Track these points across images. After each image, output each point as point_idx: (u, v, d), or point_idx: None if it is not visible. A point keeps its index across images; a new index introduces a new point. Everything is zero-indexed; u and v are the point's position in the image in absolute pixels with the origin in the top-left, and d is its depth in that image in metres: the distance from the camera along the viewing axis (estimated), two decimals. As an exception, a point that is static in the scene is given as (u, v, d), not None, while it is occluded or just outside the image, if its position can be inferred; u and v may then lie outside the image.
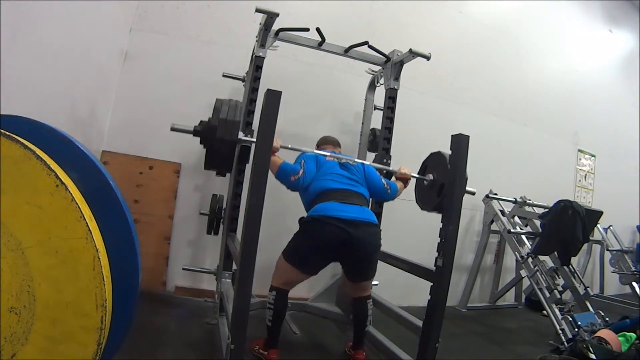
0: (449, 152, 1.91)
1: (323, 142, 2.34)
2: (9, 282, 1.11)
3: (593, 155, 4.88)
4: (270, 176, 1.56)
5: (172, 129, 1.86)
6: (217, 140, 1.78)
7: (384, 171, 2.29)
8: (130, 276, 1.31)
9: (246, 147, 2.24)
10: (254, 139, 1.61)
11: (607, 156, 4.97)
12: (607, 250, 4.48)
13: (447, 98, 3.78)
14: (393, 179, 2.30)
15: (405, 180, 2.23)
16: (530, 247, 3.17)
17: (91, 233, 1.12)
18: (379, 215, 2.49)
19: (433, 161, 2.15)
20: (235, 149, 1.90)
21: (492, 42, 4.05)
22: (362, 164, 2.11)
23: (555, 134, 4.49)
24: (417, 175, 2.19)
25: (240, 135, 1.83)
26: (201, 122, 1.90)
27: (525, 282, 3.65)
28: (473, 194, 2.06)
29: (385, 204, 2.57)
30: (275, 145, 1.83)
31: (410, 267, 2.11)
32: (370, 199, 2.15)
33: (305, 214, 2.02)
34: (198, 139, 2.98)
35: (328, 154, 2.08)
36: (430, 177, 2.12)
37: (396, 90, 2.61)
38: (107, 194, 1.29)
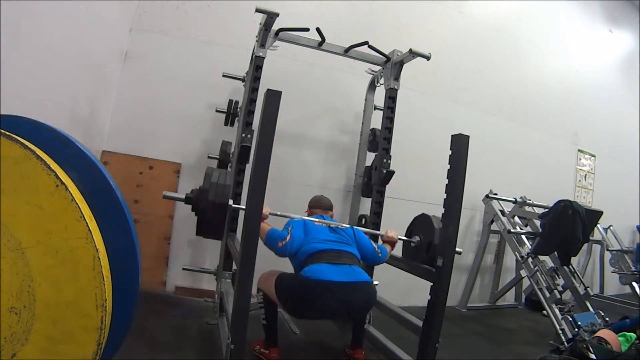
0: (449, 152, 1.91)
1: (315, 206, 2.28)
2: (9, 282, 1.11)
3: (593, 155, 4.88)
4: (271, 173, 1.56)
5: (165, 197, 1.89)
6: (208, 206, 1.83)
7: (370, 234, 2.25)
8: (130, 276, 1.31)
9: (246, 146, 2.24)
10: (244, 207, 1.65)
11: (607, 156, 4.97)
12: (607, 250, 4.48)
13: (447, 98, 3.77)
14: (380, 241, 2.28)
15: (392, 243, 2.22)
16: (530, 247, 3.17)
17: (91, 233, 1.12)
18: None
19: (418, 224, 2.19)
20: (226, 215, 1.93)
21: (492, 42, 4.05)
22: (352, 228, 2.11)
23: (555, 134, 4.49)
24: (404, 238, 2.21)
25: (230, 202, 1.86)
26: (192, 190, 1.94)
27: (525, 282, 3.65)
28: (459, 254, 2.00)
29: (385, 203, 2.58)
30: (264, 213, 1.85)
31: (410, 267, 2.11)
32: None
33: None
34: (198, 136, 3.01)
35: (316, 220, 2.07)
36: (417, 238, 2.14)
37: (396, 90, 2.61)
38: (107, 194, 1.30)
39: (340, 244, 1.97)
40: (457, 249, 1.89)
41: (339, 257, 1.89)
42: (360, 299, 1.86)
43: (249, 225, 1.54)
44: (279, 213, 1.99)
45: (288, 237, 1.92)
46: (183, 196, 1.89)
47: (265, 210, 1.87)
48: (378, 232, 2.31)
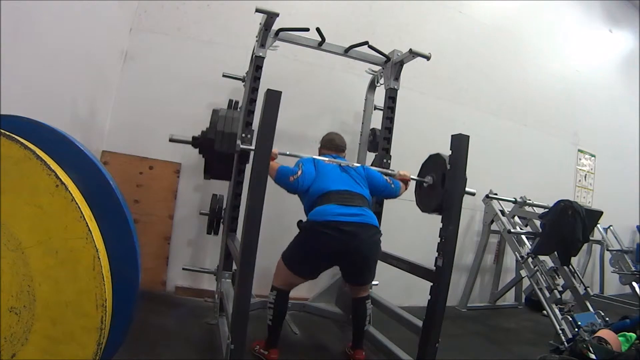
0: (449, 152, 1.91)
1: (327, 146, 2.28)
2: (9, 282, 1.11)
3: (593, 155, 4.88)
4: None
5: (171, 140, 1.87)
6: (215, 152, 1.78)
7: (382, 173, 2.27)
8: (130, 276, 1.31)
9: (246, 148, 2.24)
10: (253, 147, 1.62)
11: (607, 156, 4.97)
12: (607, 250, 4.48)
13: (447, 98, 3.77)
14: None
15: (405, 182, 2.23)
16: (530, 247, 3.17)
17: (91, 233, 1.12)
18: (378, 214, 2.49)
19: (432, 163, 2.15)
20: (234, 157, 1.90)
21: (492, 42, 4.05)
22: (363, 166, 2.11)
23: (555, 134, 4.48)
24: (416, 178, 2.20)
25: (238, 143, 1.82)
26: (202, 132, 1.90)
27: (525, 282, 3.65)
28: (473, 194, 2.06)
29: (385, 203, 2.57)
30: (273, 152, 1.84)
31: (410, 267, 2.11)
32: (372, 200, 2.14)
33: (304, 217, 2.02)
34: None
35: (327, 159, 2.07)
36: (430, 179, 2.12)
37: (396, 90, 2.61)
38: (107, 194, 1.30)
39: (351, 184, 1.97)
40: (469, 190, 1.91)
41: (350, 198, 1.90)
42: (367, 242, 1.87)
43: (249, 224, 1.54)
44: (287, 152, 1.96)
45: (299, 172, 1.92)
46: (190, 138, 1.87)
47: (274, 150, 1.82)
48: (390, 171, 2.28)
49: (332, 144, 2.27)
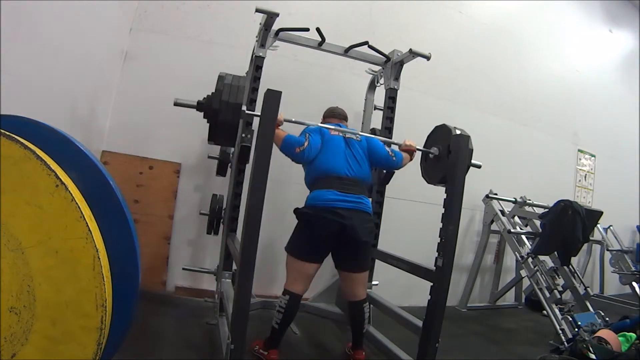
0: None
1: (329, 115, 2.30)
2: (9, 282, 1.11)
3: (593, 155, 4.88)
4: (271, 175, 1.56)
5: (176, 104, 1.83)
6: (220, 119, 1.77)
7: (389, 144, 2.26)
8: (130, 276, 1.31)
9: (246, 147, 2.24)
10: (258, 113, 1.63)
11: (607, 156, 4.97)
12: (607, 250, 4.48)
13: (447, 98, 3.77)
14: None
15: (410, 152, 2.20)
16: (530, 247, 3.17)
17: (91, 233, 1.12)
18: (378, 215, 2.50)
19: (438, 134, 2.13)
20: (239, 124, 1.88)
21: (492, 42, 4.05)
22: (367, 137, 2.11)
23: (555, 134, 4.48)
24: (422, 148, 2.18)
25: (244, 109, 1.79)
26: (207, 96, 1.88)
27: (525, 282, 3.65)
28: (479, 167, 2.01)
29: (385, 203, 2.57)
30: (279, 119, 1.82)
31: (410, 267, 2.11)
32: (371, 188, 2.17)
33: (302, 202, 2.05)
34: (198, 136, 3.00)
35: (332, 127, 2.07)
36: (435, 150, 2.10)
37: (396, 90, 2.61)
38: (107, 194, 1.29)
39: (353, 165, 2.01)
40: (475, 162, 1.94)
41: (349, 186, 1.95)
42: (360, 225, 1.93)
43: (249, 224, 1.54)
44: (293, 120, 1.95)
45: (306, 144, 1.94)
46: (195, 102, 1.86)
47: (280, 116, 1.81)
48: (395, 141, 2.27)
49: (334, 113, 2.29)
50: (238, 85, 1.78)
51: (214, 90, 1.82)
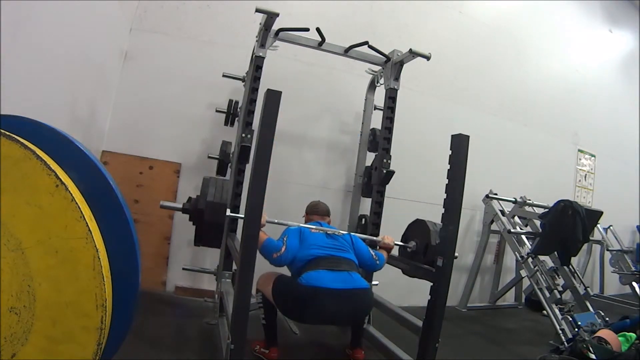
0: (449, 152, 1.91)
1: (312, 212, 2.27)
2: (9, 282, 1.11)
3: (593, 155, 4.88)
4: (271, 173, 1.56)
5: (162, 207, 1.95)
6: (205, 221, 1.87)
7: (367, 240, 2.24)
8: (130, 276, 1.31)
9: (246, 147, 2.24)
10: (242, 215, 1.68)
11: (607, 156, 4.97)
12: (607, 250, 4.48)
13: (447, 98, 3.77)
14: (377, 247, 2.25)
15: (388, 249, 2.21)
16: (530, 247, 3.17)
17: (91, 233, 1.12)
18: (378, 215, 2.49)
19: (413, 229, 2.20)
20: (224, 225, 1.98)
21: (492, 42, 4.05)
22: (349, 234, 2.09)
23: (555, 134, 4.48)
24: (400, 243, 2.21)
25: (228, 212, 1.90)
26: (189, 198, 1.97)
27: (525, 282, 3.65)
28: (455, 258, 1.96)
29: (385, 203, 2.57)
30: (262, 221, 1.79)
31: (410, 267, 2.11)
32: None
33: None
34: (198, 136, 3.01)
35: (313, 227, 2.05)
36: (413, 244, 2.14)
37: (396, 90, 2.61)
38: (107, 194, 1.30)
39: (338, 250, 1.95)
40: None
41: (337, 263, 1.88)
42: (358, 306, 1.88)
43: (249, 225, 1.54)
44: (276, 221, 1.97)
45: (283, 249, 1.90)
46: (180, 205, 1.90)
47: (263, 219, 1.79)
48: (375, 237, 2.29)
49: (316, 210, 2.26)
50: (222, 187, 1.92)
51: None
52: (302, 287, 1.78)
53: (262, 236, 1.89)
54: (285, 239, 1.94)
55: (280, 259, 1.89)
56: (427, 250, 2.02)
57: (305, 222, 2.15)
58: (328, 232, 2.03)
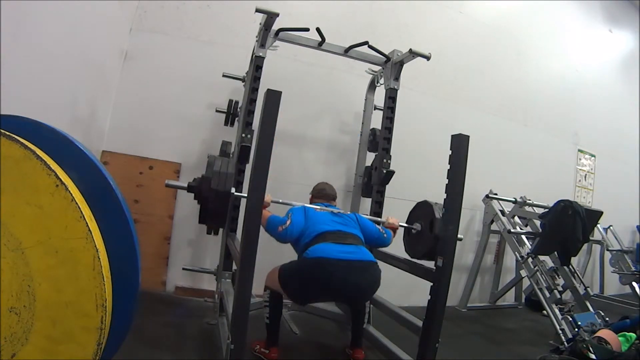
0: (449, 152, 1.91)
1: (318, 195, 2.27)
2: (9, 282, 1.11)
3: (593, 155, 4.88)
4: (271, 173, 1.56)
5: (167, 186, 1.94)
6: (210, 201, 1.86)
7: (372, 221, 2.24)
8: (130, 276, 1.31)
9: (246, 147, 2.24)
10: (245, 194, 1.69)
11: (607, 156, 4.97)
12: (607, 250, 4.48)
13: (447, 98, 3.77)
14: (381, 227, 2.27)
15: (393, 229, 2.22)
16: (530, 247, 3.17)
17: (91, 233, 1.12)
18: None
19: (420, 211, 2.19)
20: (228, 205, 1.97)
21: (492, 42, 4.05)
22: (354, 213, 2.10)
23: (555, 134, 4.48)
24: (405, 225, 2.21)
25: (232, 192, 1.89)
26: (195, 178, 1.95)
27: (525, 282, 3.65)
28: (460, 239, 1.97)
29: (385, 203, 2.57)
30: (266, 200, 1.85)
31: (410, 267, 2.11)
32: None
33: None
34: (198, 136, 3.01)
35: (318, 207, 2.06)
36: (418, 226, 2.15)
37: (396, 90, 2.61)
38: (107, 194, 1.30)
39: (344, 225, 1.97)
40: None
41: (344, 237, 1.89)
42: (365, 280, 1.84)
43: (249, 225, 1.54)
44: (280, 201, 2.02)
45: (288, 222, 1.92)
46: (185, 184, 1.90)
47: (267, 198, 1.85)
48: (379, 218, 2.30)
49: (322, 194, 2.27)
50: (227, 172, 1.87)
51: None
52: (307, 260, 1.79)
53: (266, 214, 1.92)
54: (290, 214, 1.96)
55: (286, 232, 1.90)
56: (432, 226, 2.00)
57: (311, 204, 2.15)
58: (333, 212, 2.04)
